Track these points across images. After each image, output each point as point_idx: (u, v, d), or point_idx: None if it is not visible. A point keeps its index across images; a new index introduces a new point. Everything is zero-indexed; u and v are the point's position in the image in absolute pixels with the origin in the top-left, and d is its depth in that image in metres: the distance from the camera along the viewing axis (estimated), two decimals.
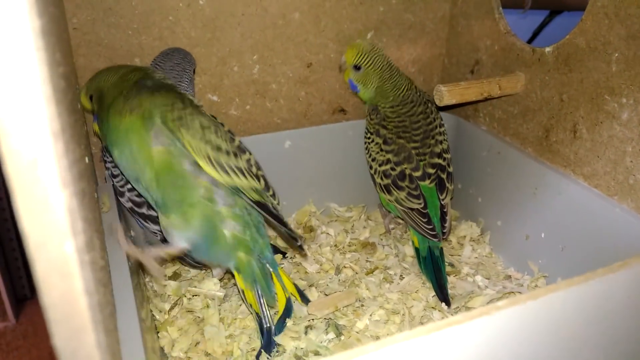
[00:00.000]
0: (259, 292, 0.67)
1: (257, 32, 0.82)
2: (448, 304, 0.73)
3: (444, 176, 0.82)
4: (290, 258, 0.82)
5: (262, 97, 0.87)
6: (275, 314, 0.68)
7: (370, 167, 0.85)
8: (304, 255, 0.82)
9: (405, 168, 0.80)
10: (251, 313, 0.68)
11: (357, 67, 0.83)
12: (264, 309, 0.67)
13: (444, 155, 0.83)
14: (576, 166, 0.72)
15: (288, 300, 0.69)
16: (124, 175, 0.68)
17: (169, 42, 0.78)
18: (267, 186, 0.68)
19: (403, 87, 0.85)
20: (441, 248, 0.78)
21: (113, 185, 0.70)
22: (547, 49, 0.74)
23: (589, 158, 0.70)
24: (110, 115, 0.61)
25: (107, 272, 0.53)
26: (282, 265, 0.80)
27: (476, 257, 0.83)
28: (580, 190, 0.70)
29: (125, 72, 0.66)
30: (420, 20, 0.92)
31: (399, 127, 0.83)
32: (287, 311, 0.69)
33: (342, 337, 0.67)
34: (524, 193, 0.80)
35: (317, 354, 0.64)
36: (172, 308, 0.71)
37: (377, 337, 0.66)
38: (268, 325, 0.66)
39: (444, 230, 0.79)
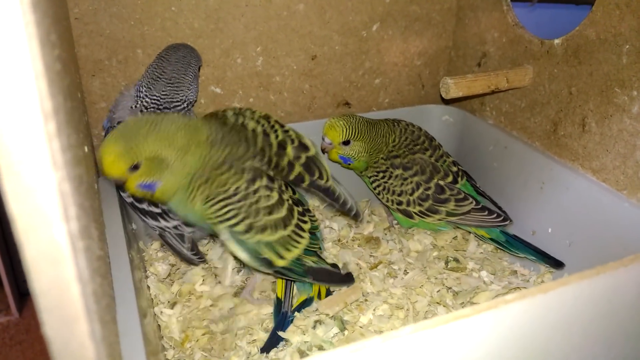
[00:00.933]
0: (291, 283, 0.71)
1: (261, 23, 0.81)
2: (561, 264, 0.73)
3: (464, 169, 0.83)
4: None
5: (266, 90, 0.86)
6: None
7: (400, 204, 0.81)
8: (360, 222, 0.86)
9: (438, 180, 0.79)
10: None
11: (345, 143, 0.81)
12: (287, 295, 0.69)
13: (449, 155, 0.85)
14: (585, 160, 0.71)
15: (308, 299, 0.70)
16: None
17: (171, 33, 0.77)
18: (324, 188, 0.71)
19: (385, 128, 0.83)
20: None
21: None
22: (556, 41, 0.72)
23: (597, 152, 0.68)
24: (188, 198, 0.62)
25: (106, 264, 0.52)
26: None
27: (481, 253, 0.82)
28: (589, 185, 0.69)
29: (194, 147, 0.61)
30: (426, 12, 0.90)
31: (408, 146, 0.82)
32: (302, 306, 0.69)
33: (346, 332, 0.66)
34: (531, 188, 0.78)
35: (321, 348, 0.63)
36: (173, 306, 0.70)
37: (381, 332, 0.65)
38: (285, 309, 0.68)
39: (504, 210, 0.80)
